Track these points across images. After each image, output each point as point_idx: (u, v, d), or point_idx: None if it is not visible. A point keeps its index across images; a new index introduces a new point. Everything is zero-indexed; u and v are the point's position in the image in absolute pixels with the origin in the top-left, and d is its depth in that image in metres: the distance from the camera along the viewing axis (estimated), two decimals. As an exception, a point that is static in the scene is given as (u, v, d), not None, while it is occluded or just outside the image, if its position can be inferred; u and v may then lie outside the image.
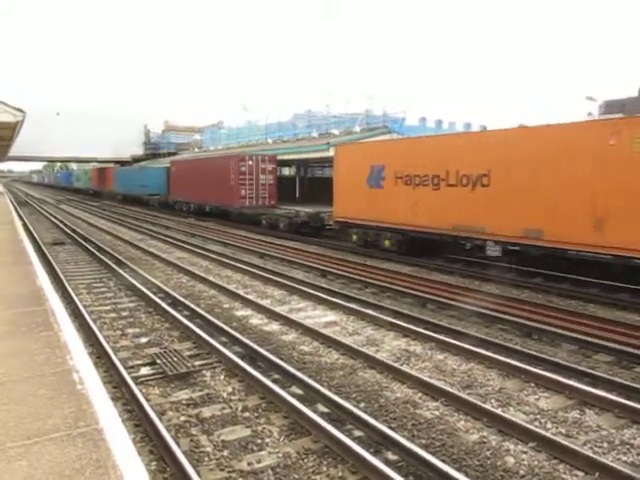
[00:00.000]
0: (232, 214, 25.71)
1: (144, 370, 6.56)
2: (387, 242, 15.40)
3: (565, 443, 4.63)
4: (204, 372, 6.48)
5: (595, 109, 38.56)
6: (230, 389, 5.99)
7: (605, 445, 4.84)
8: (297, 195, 31.41)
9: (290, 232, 20.68)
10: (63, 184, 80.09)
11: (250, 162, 24.39)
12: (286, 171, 39.05)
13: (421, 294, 10.43)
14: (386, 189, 15.30)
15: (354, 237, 16.86)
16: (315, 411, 5.25)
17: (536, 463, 4.49)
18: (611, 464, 4.32)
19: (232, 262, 14.22)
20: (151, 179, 38.19)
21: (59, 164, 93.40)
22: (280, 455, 4.57)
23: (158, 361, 6.69)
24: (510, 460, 4.55)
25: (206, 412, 5.42)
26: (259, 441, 4.82)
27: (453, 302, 9.66)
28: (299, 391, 5.87)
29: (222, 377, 6.35)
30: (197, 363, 6.69)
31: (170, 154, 49.01)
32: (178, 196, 32.44)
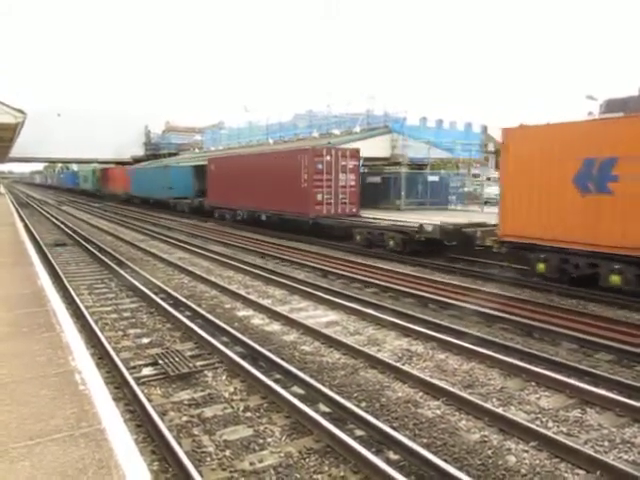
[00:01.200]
0: (304, 225, 20.00)
1: (146, 370, 6.57)
2: (615, 277, 10.04)
3: (566, 442, 4.64)
4: (206, 372, 6.49)
5: (596, 108, 38.55)
6: (232, 389, 6.00)
7: (606, 444, 4.84)
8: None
9: (403, 253, 15.27)
10: (68, 186, 74.79)
11: (328, 157, 19.16)
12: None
13: (423, 294, 10.43)
14: (621, 194, 9.78)
15: (540, 266, 11.43)
16: (317, 411, 5.26)
17: (537, 462, 4.49)
18: (612, 463, 4.33)
19: (233, 262, 14.24)
20: (178, 180, 32.56)
21: (60, 165, 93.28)
22: (282, 455, 4.58)
23: (160, 361, 6.71)
24: (511, 459, 4.55)
25: (208, 412, 5.43)
26: (261, 441, 4.83)
27: (454, 302, 9.67)
28: (301, 391, 5.88)
29: (224, 377, 6.36)
30: (199, 363, 6.70)
31: (171, 155, 49.06)
32: (219, 201, 26.24)
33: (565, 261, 11.01)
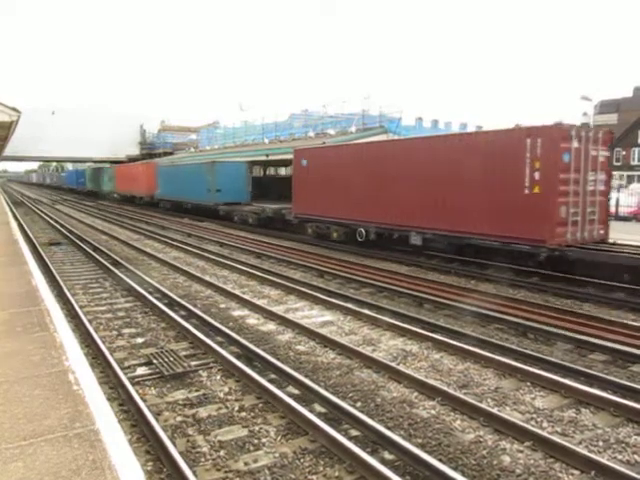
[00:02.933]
0: (522, 259, 12.12)
1: (140, 370, 6.54)
2: None
3: (561, 442, 4.64)
4: (200, 372, 6.47)
5: (590, 109, 38.67)
6: (227, 389, 5.98)
7: (601, 444, 4.85)
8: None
9: None
10: (71, 186, 65.90)
11: (576, 144, 11.45)
12: (282, 171, 39.27)
13: (418, 294, 10.44)
14: None
15: None
16: (312, 411, 5.25)
17: (532, 462, 4.50)
18: (607, 463, 4.34)
19: (229, 262, 14.21)
20: (228, 180, 25.80)
21: (54, 163, 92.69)
22: (277, 455, 4.57)
23: (154, 361, 6.68)
24: (506, 459, 4.56)
25: (202, 412, 5.41)
26: (256, 441, 4.82)
27: (450, 302, 9.68)
28: (296, 391, 5.87)
29: (218, 377, 6.35)
30: (193, 363, 6.68)
31: (166, 154, 48.95)
32: (317, 211, 18.18)
33: None
